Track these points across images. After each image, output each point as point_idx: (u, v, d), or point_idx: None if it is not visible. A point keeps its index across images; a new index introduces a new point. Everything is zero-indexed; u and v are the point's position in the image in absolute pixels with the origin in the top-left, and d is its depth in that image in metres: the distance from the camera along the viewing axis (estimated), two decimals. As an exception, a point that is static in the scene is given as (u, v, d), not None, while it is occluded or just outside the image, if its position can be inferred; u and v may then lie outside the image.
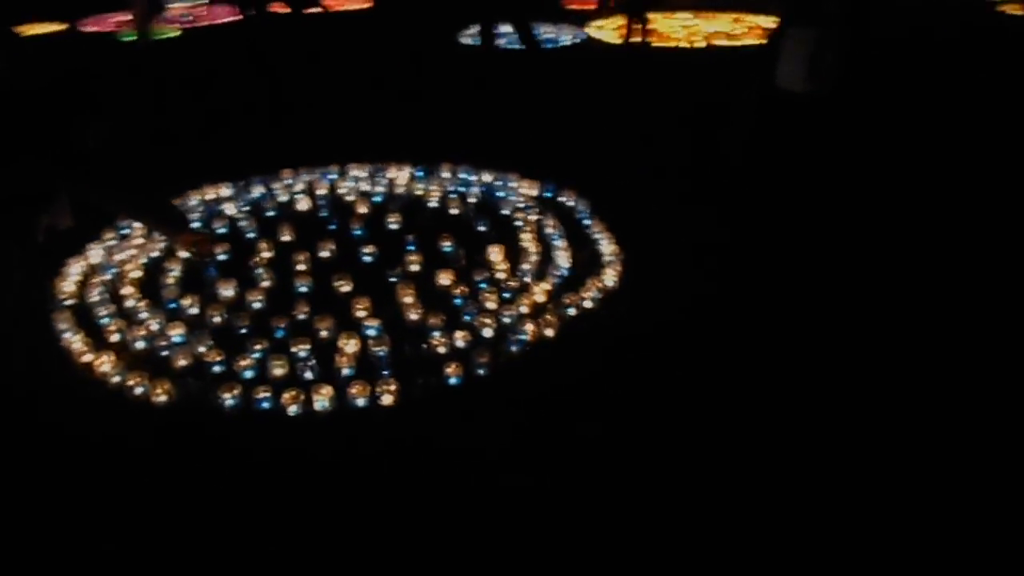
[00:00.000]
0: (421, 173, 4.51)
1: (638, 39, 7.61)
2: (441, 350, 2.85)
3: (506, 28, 9.24)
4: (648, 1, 7.50)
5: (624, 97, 6.20)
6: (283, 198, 4.25)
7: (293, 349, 2.82)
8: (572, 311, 3.12)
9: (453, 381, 2.71)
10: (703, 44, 8.23)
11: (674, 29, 8.96)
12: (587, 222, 3.85)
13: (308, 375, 2.73)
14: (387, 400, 2.62)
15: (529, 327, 2.97)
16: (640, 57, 7.57)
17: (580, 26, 9.17)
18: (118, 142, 3.08)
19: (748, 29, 8.70)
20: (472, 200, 4.18)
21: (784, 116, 3.47)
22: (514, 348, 2.88)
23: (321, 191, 4.30)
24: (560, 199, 4.12)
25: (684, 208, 4.06)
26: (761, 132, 3.70)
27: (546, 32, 9.00)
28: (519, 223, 3.84)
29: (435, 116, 5.84)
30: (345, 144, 5.08)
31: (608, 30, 8.86)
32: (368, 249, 3.58)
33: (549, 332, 2.99)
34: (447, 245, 3.61)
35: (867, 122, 3.90)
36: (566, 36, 8.81)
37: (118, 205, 2.87)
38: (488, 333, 2.95)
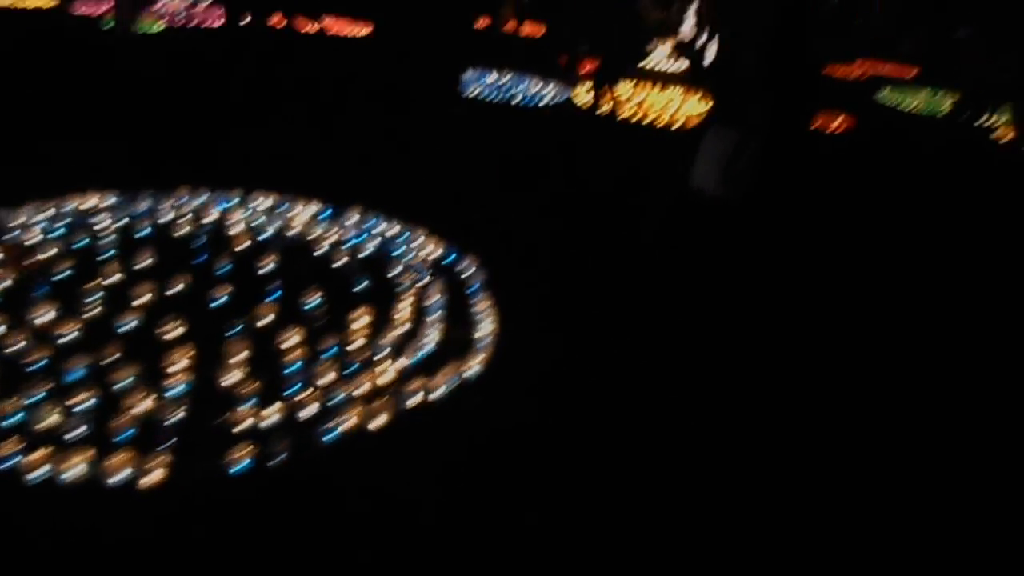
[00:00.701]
0: (326, 214, 4.20)
1: (607, 108, 7.39)
2: (242, 427, 2.49)
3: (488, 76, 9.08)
4: (620, 72, 7.31)
5: (573, 166, 5.92)
6: (166, 218, 3.92)
7: (71, 402, 2.45)
8: (414, 400, 2.76)
9: (238, 468, 2.34)
10: (676, 124, 7.99)
11: (658, 104, 8.77)
12: (475, 297, 3.52)
13: (74, 435, 2.35)
14: (151, 479, 2.25)
15: (357, 413, 2.62)
16: (602, 127, 7.31)
17: (570, 85, 8.98)
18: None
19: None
20: (364, 253, 3.85)
21: (695, 217, 3.17)
22: (326, 437, 2.52)
23: (209, 217, 3.98)
24: (459, 266, 3.80)
25: (587, 296, 3.72)
26: (672, 229, 3.40)
27: (533, 87, 8.83)
28: (403, 286, 3.51)
29: (383, 155, 5.54)
30: (275, 170, 4.76)
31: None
32: (222, 292, 3.23)
33: (378, 422, 2.63)
34: (312, 301, 3.27)
35: (782, 235, 3.61)
36: (550, 94, 8.62)
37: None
38: (308, 413, 2.59)
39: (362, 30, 11.20)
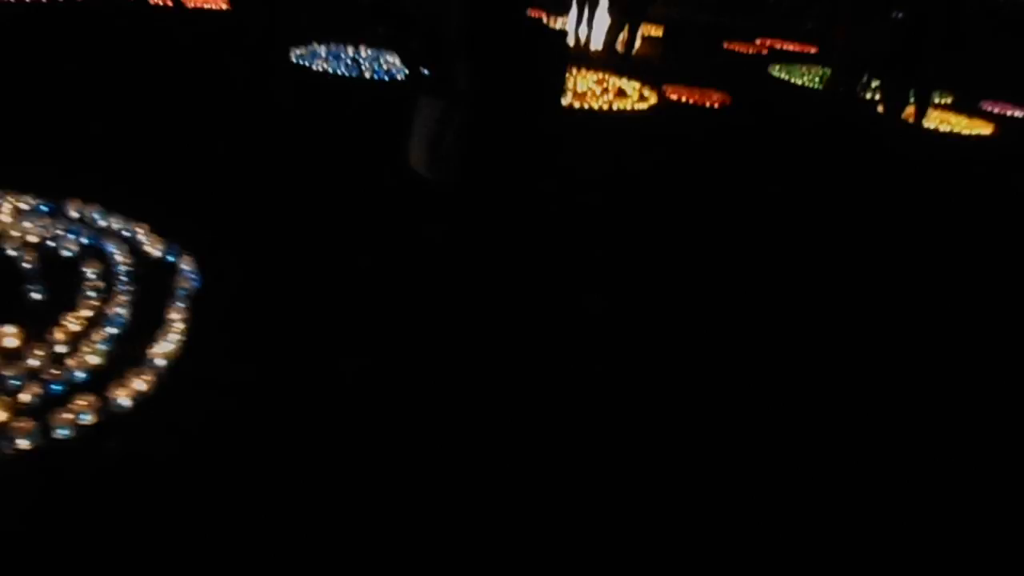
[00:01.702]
0: (44, 208, 3.58)
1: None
2: None
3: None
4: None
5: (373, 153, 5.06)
6: None
7: None
8: (23, 443, 2.21)
9: None
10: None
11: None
12: (179, 304, 2.96)
13: None
14: None
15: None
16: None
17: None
18: None
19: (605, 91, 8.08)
20: (64, 252, 3.25)
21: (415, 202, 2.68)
22: None
23: None
24: (179, 267, 3.22)
25: (307, 311, 3.14)
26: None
27: (384, 62, 8.19)
28: (90, 294, 2.94)
29: (150, 139, 4.81)
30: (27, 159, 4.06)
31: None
32: None
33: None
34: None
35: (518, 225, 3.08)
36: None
37: None
38: None
39: (218, 3, 10.35)
